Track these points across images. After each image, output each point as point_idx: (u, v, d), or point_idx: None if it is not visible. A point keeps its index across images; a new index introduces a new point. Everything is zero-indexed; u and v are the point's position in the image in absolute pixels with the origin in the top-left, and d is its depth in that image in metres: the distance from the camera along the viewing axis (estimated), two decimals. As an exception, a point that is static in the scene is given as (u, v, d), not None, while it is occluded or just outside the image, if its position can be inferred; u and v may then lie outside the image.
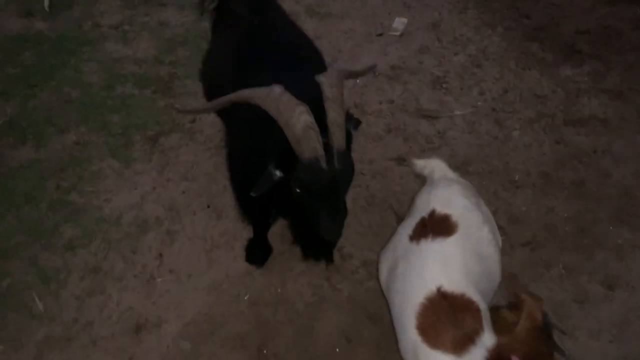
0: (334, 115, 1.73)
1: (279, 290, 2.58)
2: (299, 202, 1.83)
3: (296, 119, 1.68)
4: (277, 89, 1.74)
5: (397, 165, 3.02)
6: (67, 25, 3.83)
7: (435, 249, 1.85)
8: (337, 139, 1.73)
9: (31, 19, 3.88)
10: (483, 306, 1.80)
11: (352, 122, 1.89)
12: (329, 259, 2.31)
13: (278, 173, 1.78)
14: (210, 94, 2.51)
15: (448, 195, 2.02)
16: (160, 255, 2.70)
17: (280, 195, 1.89)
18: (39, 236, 2.78)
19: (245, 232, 2.70)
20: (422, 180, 2.32)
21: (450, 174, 2.24)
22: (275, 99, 1.72)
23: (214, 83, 2.44)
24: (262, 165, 1.83)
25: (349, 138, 1.82)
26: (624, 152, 3.03)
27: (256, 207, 2.35)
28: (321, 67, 2.34)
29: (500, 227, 2.57)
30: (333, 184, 1.75)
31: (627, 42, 3.52)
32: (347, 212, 1.86)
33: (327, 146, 1.72)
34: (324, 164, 1.71)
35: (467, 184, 2.25)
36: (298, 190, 1.79)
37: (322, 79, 1.77)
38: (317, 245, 2.14)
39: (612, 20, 3.65)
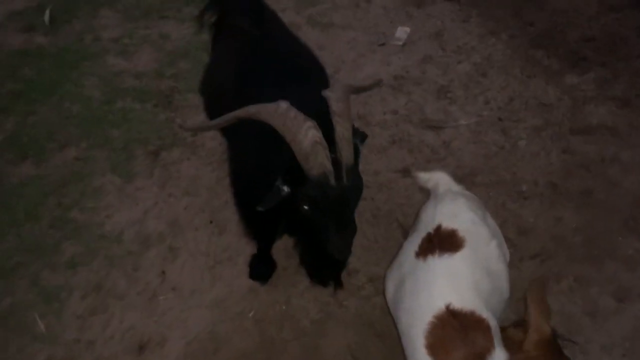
0: (341, 130, 1.70)
1: (284, 307, 2.53)
2: (307, 219, 1.79)
3: (304, 134, 1.65)
4: (284, 104, 1.71)
5: (403, 177, 2.98)
6: (67, 39, 3.82)
7: (442, 265, 1.80)
8: (346, 154, 1.70)
9: (32, 33, 3.87)
10: (493, 323, 1.75)
11: (358, 136, 1.85)
12: (338, 283, 2.26)
13: (286, 189, 1.74)
14: (211, 108, 2.48)
15: (454, 209, 1.97)
16: (163, 272, 2.66)
17: (287, 211, 1.86)
18: (40, 254, 2.74)
19: (248, 248, 2.66)
20: (427, 192, 2.28)
21: (455, 186, 2.20)
22: (282, 115, 1.69)
23: (215, 97, 2.41)
24: (268, 181, 1.79)
25: (356, 153, 1.78)
26: (632, 160, 2.97)
27: (261, 223, 2.32)
28: (323, 79, 2.32)
29: (508, 239, 2.53)
30: (342, 200, 1.71)
31: (633, 49, 3.48)
32: (356, 229, 1.82)
33: (335, 162, 1.69)
34: (332, 180, 1.68)
35: (473, 197, 2.21)
36: (306, 207, 1.75)
37: (329, 94, 1.74)
38: (325, 266, 2.09)
39: (617, 27, 3.61)
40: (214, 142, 3.12)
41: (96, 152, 3.15)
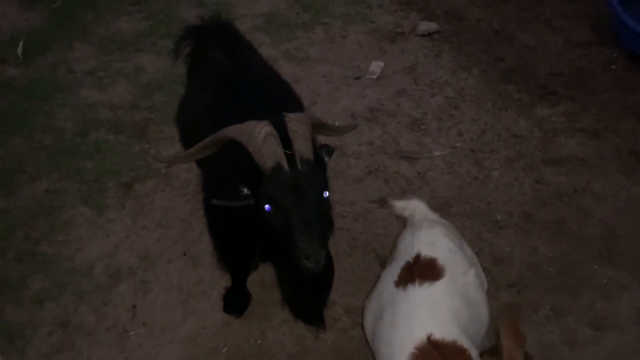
0: (294, 126, 1.74)
1: (259, 342, 2.46)
2: (272, 226, 1.75)
3: (257, 131, 1.71)
4: (247, 122, 1.77)
5: (379, 207, 2.97)
6: (40, 71, 3.77)
7: (423, 294, 1.78)
8: (299, 145, 1.73)
9: (4, 65, 3.81)
10: (474, 353, 1.73)
11: (323, 149, 1.87)
12: (320, 322, 2.17)
13: (245, 190, 1.76)
14: (186, 138, 2.46)
15: (432, 237, 1.97)
16: (134, 307, 2.58)
17: (257, 229, 1.85)
18: (5, 289, 2.64)
19: (222, 281, 2.61)
20: (404, 221, 2.27)
21: (431, 215, 2.20)
22: (241, 124, 1.77)
23: (190, 127, 2.39)
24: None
25: (321, 162, 1.82)
26: (603, 190, 3.03)
27: (235, 253, 2.27)
28: (299, 109, 2.32)
29: (485, 269, 2.53)
30: (298, 186, 1.70)
31: (600, 83, 3.59)
32: (326, 234, 1.78)
33: (290, 156, 1.72)
34: (286, 167, 1.69)
35: (449, 225, 2.21)
36: (267, 208, 1.73)
37: (290, 114, 1.80)
38: (306, 295, 2.04)
39: (584, 62, 3.73)
40: (188, 174, 3.08)
41: (67, 184, 3.08)
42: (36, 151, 3.27)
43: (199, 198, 2.76)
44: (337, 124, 3.17)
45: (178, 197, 3.00)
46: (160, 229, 2.87)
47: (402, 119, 3.45)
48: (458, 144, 3.30)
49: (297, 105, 2.35)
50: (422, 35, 4.02)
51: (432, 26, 4.06)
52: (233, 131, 1.79)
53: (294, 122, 1.76)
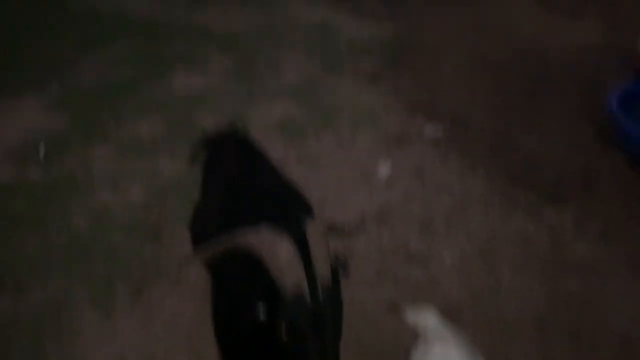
0: (313, 241, 1.72)
1: None
2: (285, 348, 1.73)
3: (279, 247, 1.68)
4: (263, 227, 1.76)
5: (389, 312, 2.94)
6: (60, 173, 3.90)
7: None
8: (320, 266, 1.70)
9: (25, 167, 3.95)
10: None
11: (340, 263, 1.86)
12: None
13: (262, 311, 1.72)
14: (199, 245, 2.49)
15: (445, 351, 1.94)
16: (138, 418, 2.51)
17: (268, 349, 1.81)
18: (7, 398, 2.59)
19: (230, 391, 2.53)
20: (414, 329, 2.24)
21: (443, 324, 2.18)
22: (259, 234, 1.74)
23: (203, 233, 2.43)
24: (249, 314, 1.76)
25: (336, 278, 1.78)
26: (616, 296, 2.99)
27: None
28: (308, 213, 2.37)
29: (499, 381, 2.46)
30: (318, 321, 1.65)
31: (607, 187, 3.63)
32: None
33: (311, 281, 1.68)
34: (307, 299, 1.65)
35: (462, 336, 2.18)
36: (283, 327, 1.68)
37: (307, 224, 1.80)
38: None
39: (591, 166, 3.79)
40: (199, 278, 3.08)
41: (77, 287, 3.09)
42: (49, 252, 3.31)
43: (207, 304, 2.76)
44: (345, 227, 3.22)
45: (187, 303, 2.99)
46: (169, 335, 2.84)
47: (410, 221, 3.49)
48: (467, 247, 3.31)
49: (307, 210, 2.41)
50: (428, 139, 4.15)
51: (437, 129, 4.21)
52: (249, 240, 1.76)
53: (314, 236, 1.74)
